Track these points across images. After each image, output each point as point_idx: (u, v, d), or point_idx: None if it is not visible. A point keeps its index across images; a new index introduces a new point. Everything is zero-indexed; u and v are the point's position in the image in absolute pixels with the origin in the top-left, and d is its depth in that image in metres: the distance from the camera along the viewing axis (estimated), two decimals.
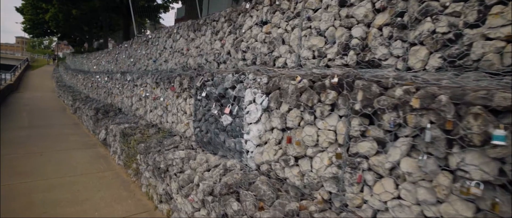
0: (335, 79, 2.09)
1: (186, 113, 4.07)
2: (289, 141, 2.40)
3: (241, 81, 3.02)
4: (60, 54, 45.52)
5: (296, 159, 2.42)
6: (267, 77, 2.73)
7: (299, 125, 2.38)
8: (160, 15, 23.26)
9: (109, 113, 8.17)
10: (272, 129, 2.65)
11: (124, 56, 9.04)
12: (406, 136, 1.74)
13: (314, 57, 3.00)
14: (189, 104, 3.97)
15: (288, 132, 2.43)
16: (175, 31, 5.85)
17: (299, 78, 2.38)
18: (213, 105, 3.38)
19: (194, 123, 3.82)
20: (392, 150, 1.80)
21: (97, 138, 7.13)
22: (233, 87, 3.11)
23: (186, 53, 5.37)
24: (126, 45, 8.84)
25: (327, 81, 2.15)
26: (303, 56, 3.08)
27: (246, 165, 2.99)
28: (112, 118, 7.18)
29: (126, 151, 5.25)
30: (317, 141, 2.23)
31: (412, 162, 1.70)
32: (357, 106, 1.95)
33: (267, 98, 2.62)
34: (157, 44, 6.69)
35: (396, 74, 1.95)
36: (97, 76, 10.25)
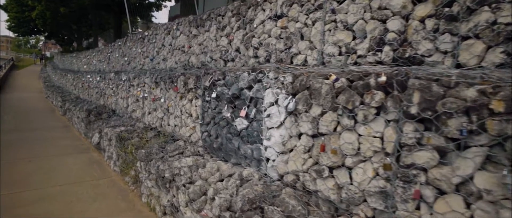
0: (383, 78, 1.78)
1: (191, 116, 3.72)
2: (323, 149, 2.09)
3: (259, 81, 2.70)
4: (48, 54, 44.15)
5: (331, 169, 2.11)
6: (292, 76, 2.41)
7: (335, 130, 2.07)
8: (152, 13, 22.70)
9: (102, 115, 7.71)
10: (299, 135, 2.33)
11: (117, 55, 8.58)
12: (481, 145, 1.45)
13: (340, 54, 2.70)
14: (196, 106, 3.62)
15: (322, 138, 2.12)
16: (174, 27, 5.47)
17: (333, 76, 2.07)
18: (225, 108, 3.04)
19: (202, 126, 3.47)
20: (462, 162, 1.50)
21: (90, 142, 6.69)
22: (250, 87, 2.78)
23: (188, 51, 5.00)
24: (119, 43, 8.38)
25: (372, 80, 1.84)
26: (327, 52, 2.77)
27: (266, 174, 2.66)
28: (106, 120, 6.74)
29: (123, 156, 4.85)
30: (359, 149, 1.93)
31: (491, 177, 1.41)
32: (414, 110, 1.65)
33: (293, 100, 2.30)
34: (155, 41, 6.29)
35: (459, 72, 1.66)
36: (88, 76, 9.74)
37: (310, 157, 2.24)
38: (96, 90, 8.69)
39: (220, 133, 3.18)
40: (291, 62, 3.15)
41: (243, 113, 2.78)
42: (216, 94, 3.12)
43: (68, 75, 13.76)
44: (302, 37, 3.08)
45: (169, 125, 4.36)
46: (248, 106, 2.79)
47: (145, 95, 5.10)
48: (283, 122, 2.44)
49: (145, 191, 3.80)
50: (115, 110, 7.18)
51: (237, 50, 3.85)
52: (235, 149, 2.97)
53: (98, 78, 8.50)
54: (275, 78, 2.53)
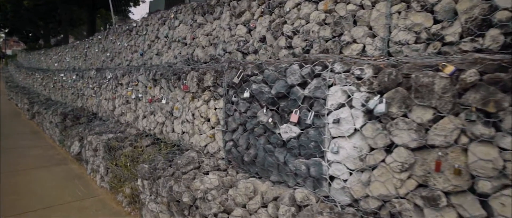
0: None
1: (209, 121, 2.99)
2: (438, 167, 1.49)
3: (317, 75, 2.06)
4: (9, 52, 40.50)
5: (447, 194, 1.51)
6: (372, 68, 1.79)
7: (456, 142, 1.47)
8: (130, 8, 21.26)
9: (80, 119, 6.69)
10: (389, 147, 1.72)
11: (97, 50, 7.55)
12: None
13: (416, 42, 2.13)
14: (215, 108, 2.90)
15: (436, 152, 1.52)
16: (172, 16, 4.68)
17: (450, 67, 1.48)
18: (264, 111, 2.37)
19: (225, 134, 2.77)
20: None
21: (68, 151, 5.68)
22: (303, 84, 2.13)
23: (192, 43, 4.25)
24: (99, 37, 7.36)
25: None
26: (396, 40, 2.19)
27: (327, 197, 2.03)
28: (87, 125, 5.76)
29: (113, 170, 4.00)
30: (503, 169, 1.35)
31: None
32: None
33: (383, 99, 1.68)
34: (145, 33, 5.44)
35: None
36: (62, 75, 8.56)
37: (409, 177, 1.64)
38: (71, 90, 7.60)
39: (254, 142, 2.50)
40: (340, 52, 2.55)
41: (294, 117, 2.12)
42: (250, 94, 2.44)
43: (36, 74, 12.26)
44: (355, 23, 2.48)
45: (173, 131, 3.59)
46: (299, 109, 2.14)
47: (139, 95, 4.27)
48: (360, 129, 1.82)
49: (148, 215, 3.02)
50: (96, 112, 6.21)
51: (262, 40, 3.18)
52: (278, 164, 2.31)
53: (74, 77, 7.42)
54: (346, 72, 1.90)
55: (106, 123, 5.56)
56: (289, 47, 2.90)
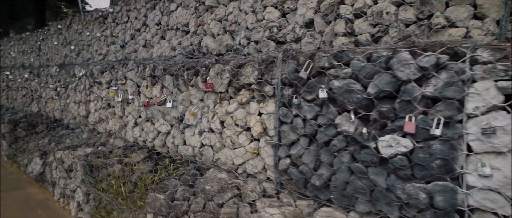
0: None
1: (248, 130, 2.25)
2: None
3: (443, 67, 1.46)
4: None
5: None
6: None
7: None
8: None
9: (37, 127, 5.39)
10: None
11: (56, 43, 6.22)
12: None
13: None
14: (261, 113, 2.17)
15: None
16: None
17: None
18: (350, 117, 1.71)
19: (279, 149, 2.05)
20: None
21: (23, 171, 4.44)
22: (423, 79, 1.52)
23: (197, 31, 3.42)
24: (59, 26, 6.04)
25: None
26: None
27: None
28: (51, 136, 4.57)
29: (96, 196, 3.04)
30: None
31: None
32: None
33: None
34: (126, 21, 4.43)
35: None
36: (7, 73, 6.98)
37: None
38: (22, 92, 6.17)
39: (329, 160, 1.83)
40: (428, 38, 1.99)
41: (410, 126, 1.50)
42: (326, 93, 1.76)
43: None
44: (447, 4, 1.94)
45: (185, 144, 2.77)
46: (412, 114, 1.52)
47: (129, 97, 3.33)
48: None
49: None
50: (60, 119, 5.00)
51: (308, 24, 2.51)
52: (373, 189, 1.67)
53: (25, 76, 6.01)
54: (499, 60, 1.33)
55: (75, 132, 4.44)
56: (350, 33, 2.28)
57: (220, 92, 2.39)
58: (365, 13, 2.21)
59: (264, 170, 2.20)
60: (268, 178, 2.20)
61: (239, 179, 2.29)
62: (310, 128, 1.88)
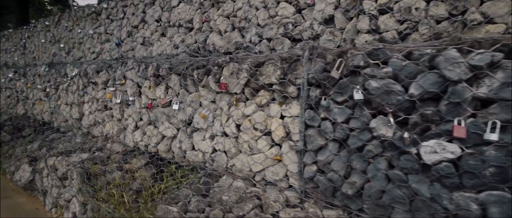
0: None
1: (269, 134, 2.08)
2: None
3: (498, 65, 1.34)
4: None
5: None
6: None
7: None
8: None
9: (23, 130, 5.05)
10: None
11: (43, 41, 5.86)
12: None
13: None
14: (284, 116, 2.01)
15: None
16: None
17: None
18: (389, 120, 1.57)
19: (305, 155, 1.89)
20: None
21: (10, 179, 4.12)
22: (471, 79, 1.39)
23: (202, 28, 3.23)
24: (47, 22, 5.69)
25: None
26: None
27: None
28: (34, 139, 4.26)
29: (94, 206, 2.80)
30: None
31: None
32: None
33: None
34: (122, 17, 4.18)
35: None
36: None
37: None
38: (7, 93, 5.78)
39: (363, 166, 1.69)
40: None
41: (459, 130, 1.37)
42: (362, 94, 1.61)
43: None
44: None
45: (195, 149, 2.57)
46: (459, 117, 1.39)
47: (129, 98, 3.10)
48: None
49: None
50: (50, 122, 4.69)
51: (327, 21, 2.36)
52: (413, 198, 1.54)
53: (10, 75, 5.64)
54: None
55: (67, 136, 4.15)
56: (374, 30, 2.14)
57: (235, 94, 2.21)
58: (392, 9, 2.08)
59: (285, 178, 2.04)
60: (290, 186, 2.03)
61: (258, 187, 2.12)
62: (341, 132, 1.73)
